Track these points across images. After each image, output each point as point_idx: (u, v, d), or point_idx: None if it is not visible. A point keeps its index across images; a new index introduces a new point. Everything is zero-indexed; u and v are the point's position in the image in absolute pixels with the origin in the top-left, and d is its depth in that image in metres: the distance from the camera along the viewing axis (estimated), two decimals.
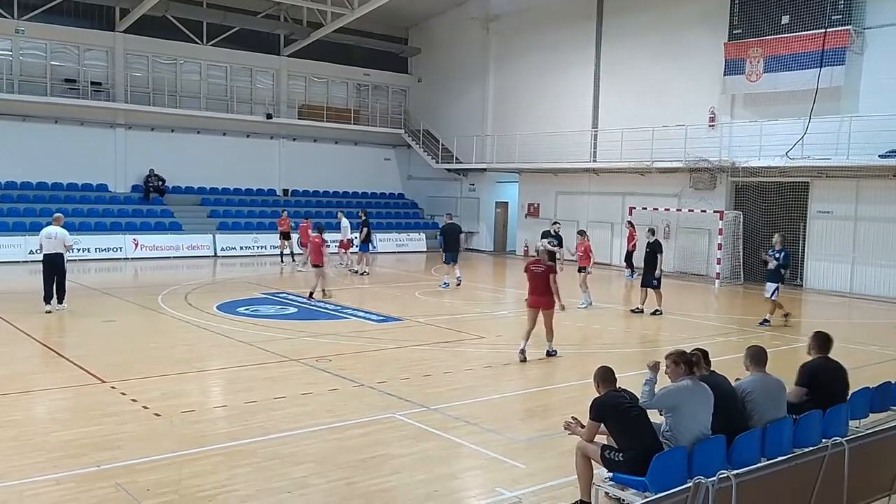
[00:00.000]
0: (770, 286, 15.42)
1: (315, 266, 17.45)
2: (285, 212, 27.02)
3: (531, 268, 11.89)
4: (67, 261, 15.46)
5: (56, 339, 12.83)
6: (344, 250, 23.54)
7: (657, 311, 16.47)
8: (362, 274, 22.44)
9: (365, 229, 22.37)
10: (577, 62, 28.91)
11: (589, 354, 12.58)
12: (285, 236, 25.80)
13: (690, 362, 6.09)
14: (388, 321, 14.95)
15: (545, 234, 18.82)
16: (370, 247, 22.78)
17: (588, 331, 14.90)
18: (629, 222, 23.51)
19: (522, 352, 11.55)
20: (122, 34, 29.15)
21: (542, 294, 11.67)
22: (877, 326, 16.46)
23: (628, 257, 22.79)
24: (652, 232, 17.53)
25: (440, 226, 21.85)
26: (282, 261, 25.91)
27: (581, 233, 18.81)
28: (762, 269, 23.41)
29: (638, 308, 16.75)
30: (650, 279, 16.59)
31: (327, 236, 18.24)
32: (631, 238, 22.86)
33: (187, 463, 6.89)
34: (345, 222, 23.46)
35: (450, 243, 20.49)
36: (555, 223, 20.45)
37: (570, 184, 29.39)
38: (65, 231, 15.05)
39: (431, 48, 35.84)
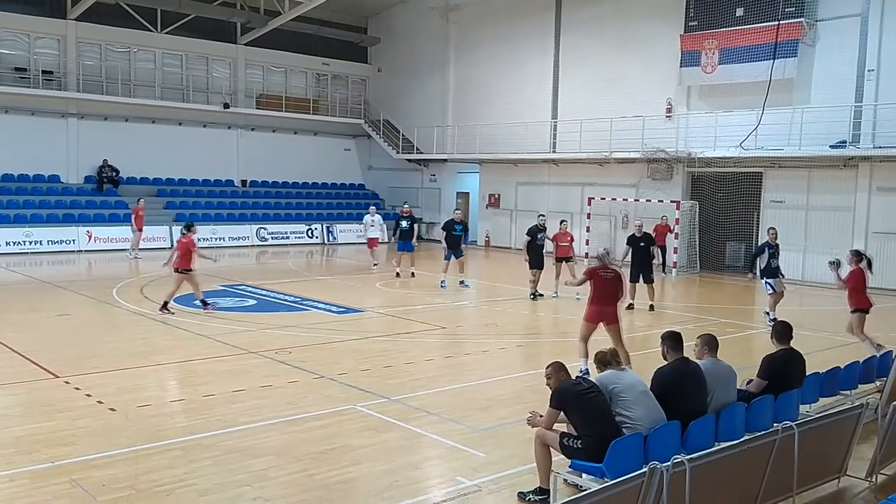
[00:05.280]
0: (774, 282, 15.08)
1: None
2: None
3: (601, 273, 10.04)
4: None
5: (7, 333, 12.51)
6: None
7: (539, 294, 17.02)
8: (375, 265, 22.25)
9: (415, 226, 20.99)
10: (536, 53, 29.01)
11: (546, 343, 12.71)
12: None
13: (605, 358, 6.29)
14: (348, 312, 14.90)
15: (535, 230, 17.41)
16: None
17: (546, 320, 15.06)
18: (663, 217, 22.23)
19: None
20: (73, 22, 28.42)
21: (609, 304, 10.00)
22: (826, 313, 16.83)
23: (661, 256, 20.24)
24: (541, 221, 17.83)
25: (456, 221, 19.02)
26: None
27: (563, 223, 18.11)
28: (719, 259, 24.13)
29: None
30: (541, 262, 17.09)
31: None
32: (660, 233, 20.79)
33: (144, 458, 6.80)
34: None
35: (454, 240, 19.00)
36: (541, 215, 18.66)
37: (530, 174, 29.54)
38: None
39: (391, 38, 35.63)
